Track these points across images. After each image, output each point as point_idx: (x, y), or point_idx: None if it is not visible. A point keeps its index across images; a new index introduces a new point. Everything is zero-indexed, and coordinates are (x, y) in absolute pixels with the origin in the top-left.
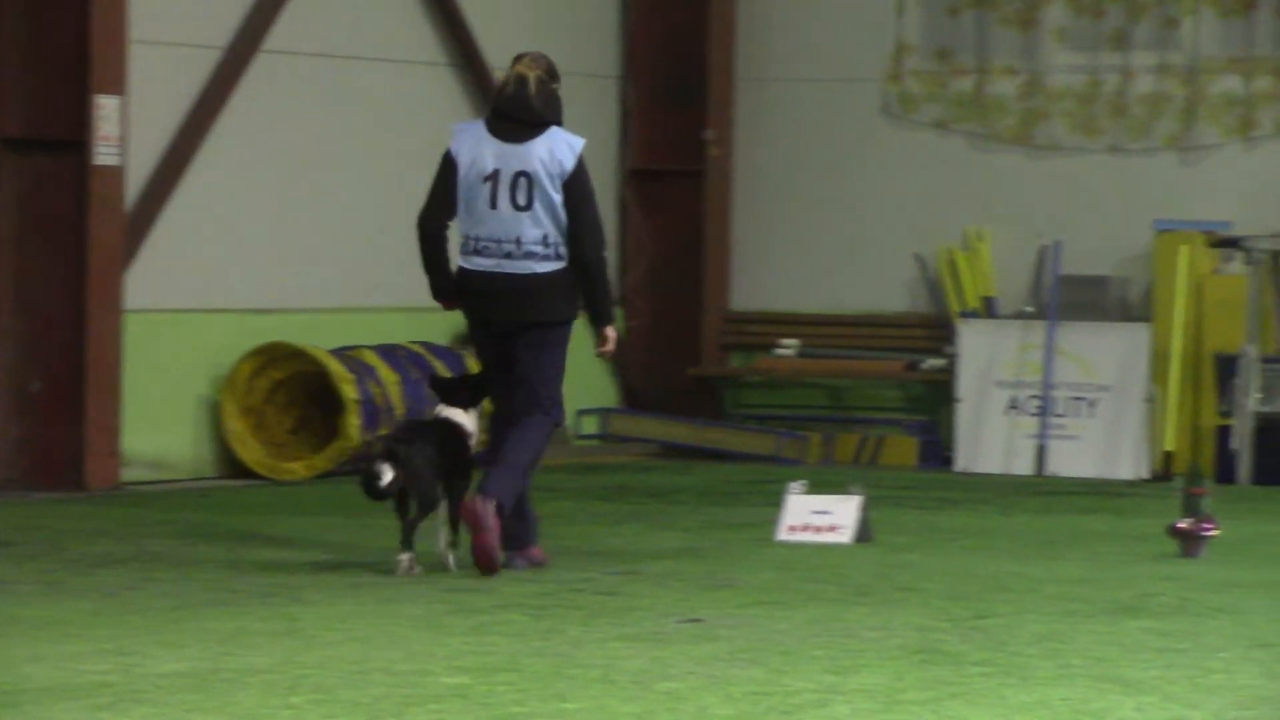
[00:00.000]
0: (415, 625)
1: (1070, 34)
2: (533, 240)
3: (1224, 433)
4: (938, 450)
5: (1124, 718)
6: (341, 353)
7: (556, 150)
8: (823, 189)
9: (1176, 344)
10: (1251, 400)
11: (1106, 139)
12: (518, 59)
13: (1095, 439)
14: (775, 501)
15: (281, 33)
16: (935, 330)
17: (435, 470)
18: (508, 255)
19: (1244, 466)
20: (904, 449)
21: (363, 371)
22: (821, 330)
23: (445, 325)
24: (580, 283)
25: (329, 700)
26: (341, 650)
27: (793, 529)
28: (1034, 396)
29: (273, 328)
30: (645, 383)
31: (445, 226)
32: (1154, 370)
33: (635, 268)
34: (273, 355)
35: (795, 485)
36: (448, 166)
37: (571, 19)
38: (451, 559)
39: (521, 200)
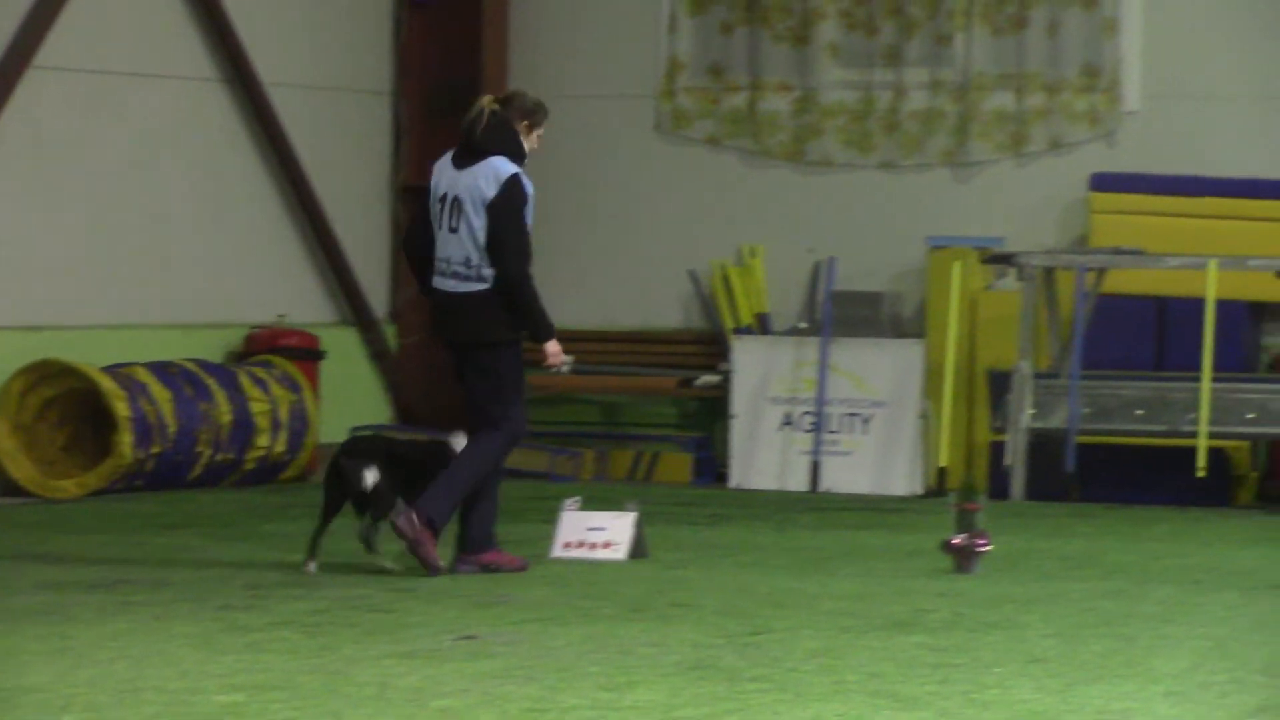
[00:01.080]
0: (188, 643)
1: (843, 50)
2: (459, 261)
3: (997, 448)
4: (712, 466)
5: None
6: (114, 370)
7: (483, 176)
8: (596, 205)
9: (950, 360)
10: (1025, 416)
11: (879, 155)
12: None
13: (869, 455)
14: (550, 518)
15: (52, 48)
16: (709, 346)
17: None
18: (452, 275)
19: (1017, 482)
20: (678, 465)
21: (135, 389)
22: (595, 346)
23: (219, 343)
24: (510, 302)
25: (101, 719)
26: (114, 669)
27: (567, 545)
28: (808, 413)
29: (44, 345)
30: (419, 399)
31: (426, 249)
32: (928, 386)
33: (408, 285)
34: (44, 372)
35: (569, 502)
36: (425, 193)
37: (344, 34)
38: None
39: (453, 223)
